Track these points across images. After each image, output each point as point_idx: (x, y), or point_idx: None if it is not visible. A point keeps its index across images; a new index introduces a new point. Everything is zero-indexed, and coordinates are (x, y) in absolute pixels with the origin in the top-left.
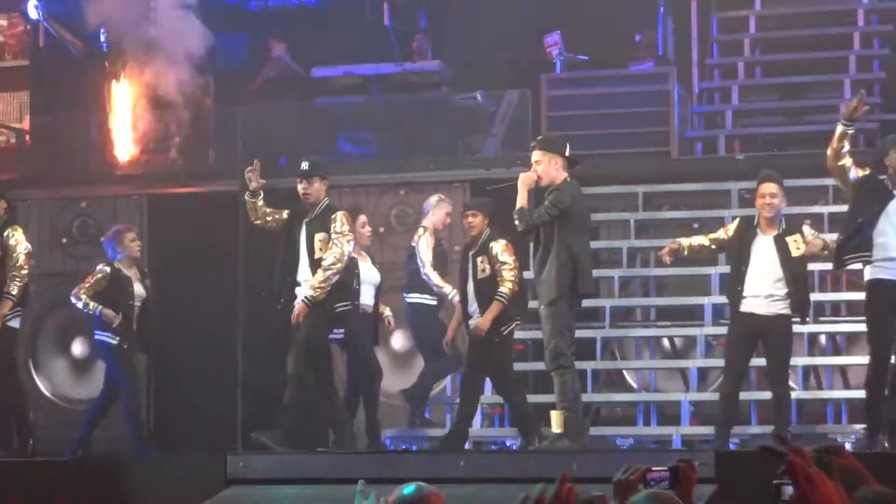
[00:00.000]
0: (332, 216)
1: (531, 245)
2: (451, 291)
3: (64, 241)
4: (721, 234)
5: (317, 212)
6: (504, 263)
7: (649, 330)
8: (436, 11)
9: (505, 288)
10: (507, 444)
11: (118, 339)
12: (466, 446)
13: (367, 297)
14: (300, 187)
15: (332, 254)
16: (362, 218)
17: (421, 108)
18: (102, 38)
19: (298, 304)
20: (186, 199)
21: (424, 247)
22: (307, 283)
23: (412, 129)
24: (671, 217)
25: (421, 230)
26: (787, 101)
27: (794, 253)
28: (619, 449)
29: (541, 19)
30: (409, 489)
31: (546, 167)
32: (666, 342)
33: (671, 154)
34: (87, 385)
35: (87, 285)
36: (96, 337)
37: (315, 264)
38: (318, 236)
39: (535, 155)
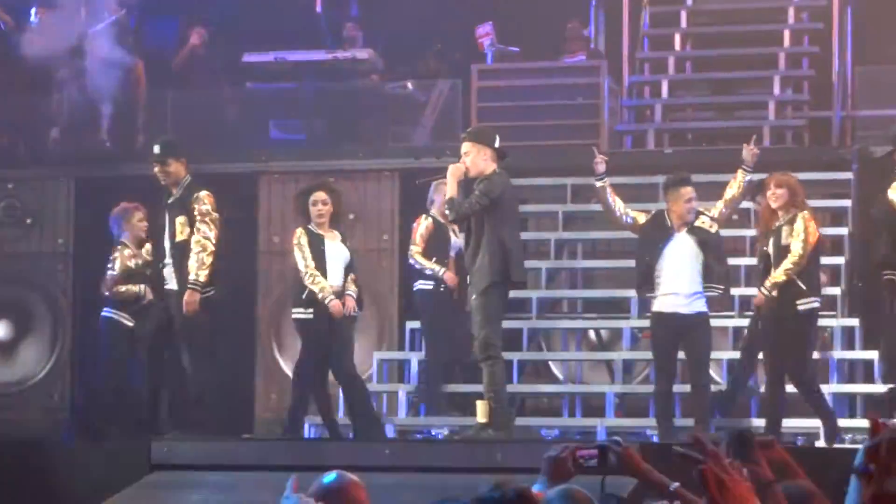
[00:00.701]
0: (194, 196)
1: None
2: (438, 269)
3: None
4: (641, 217)
5: (178, 193)
6: None
7: (575, 322)
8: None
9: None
10: (433, 434)
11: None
12: (392, 434)
13: (334, 277)
14: (156, 171)
15: (196, 240)
16: (320, 195)
17: (352, 96)
18: (34, 17)
19: (187, 293)
20: (115, 182)
21: (417, 233)
22: (171, 269)
23: (343, 117)
24: (600, 210)
25: (423, 217)
26: (716, 96)
27: (710, 230)
28: (544, 439)
29: (473, 10)
30: (329, 477)
31: (475, 158)
32: (592, 334)
33: (601, 147)
34: (10, 368)
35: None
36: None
37: (177, 248)
38: (179, 219)
39: (465, 146)
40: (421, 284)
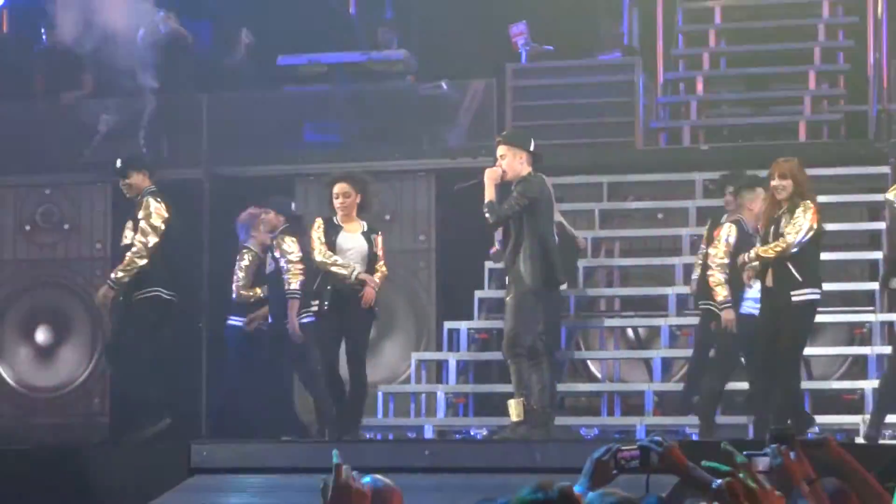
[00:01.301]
0: (139, 201)
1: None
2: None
3: (27, 228)
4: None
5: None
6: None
7: (613, 320)
8: (402, 0)
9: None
10: (472, 434)
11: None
12: (430, 435)
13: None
14: (121, 185)
15: (137, 239)
16: (342, 187)
17: (386, 97)
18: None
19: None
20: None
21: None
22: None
23: (377, 119)
24: (636, 207)
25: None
26: (751, 91)
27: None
28: (583, 438)
29: (506, 9)
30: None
31: (511, 161)
32: (630, 332)
33: (636, 144)
34: (50, 373)
35: (242, 281)
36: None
37: (122, 250)
38: (128, 225)
39: (500, 150)
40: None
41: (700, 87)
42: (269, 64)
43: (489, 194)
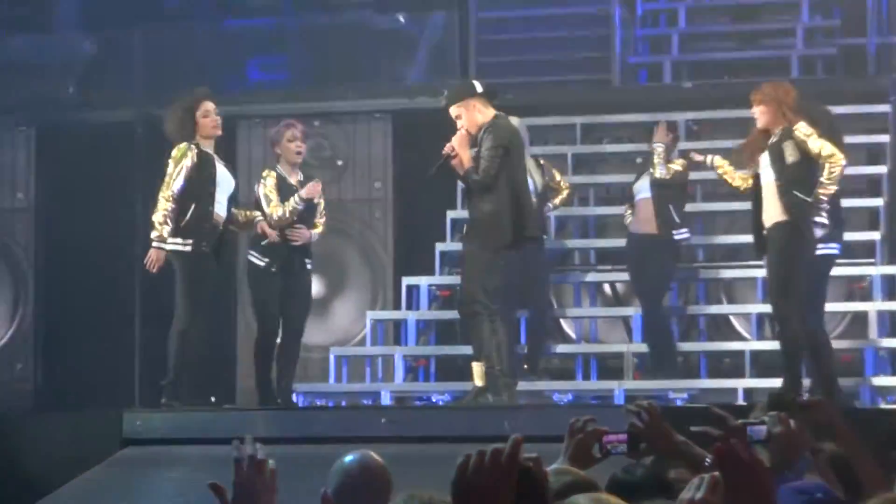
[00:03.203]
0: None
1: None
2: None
3: None
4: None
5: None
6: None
7: (588, 275)
8: None
9: None
10: (434, 400)
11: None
12: (388, 402)
13: (220, 207)
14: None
15: None
16: (207, 105)
17: (338, 31)
18: None
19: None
20: (79, 131)
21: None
22: None
23: (329, 55)
24: (612, 151)
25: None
26: (739, 23)
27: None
28: (556, 405)
29: None
30: (349, 459)
31: (468, 116)
32: (607, 288)
33: (612, 82)
34: None
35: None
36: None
37: None
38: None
39: (451, 111)
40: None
41: (683, 18)
42: None
43: (466, 161)
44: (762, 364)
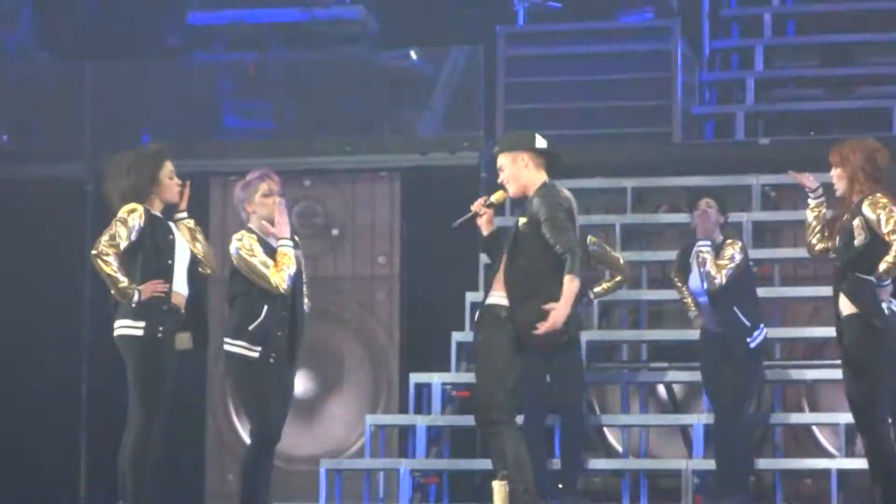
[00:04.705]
0: None
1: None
2: None
3: None
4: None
5: None
6: None
7: (639, 373)
8: None
9: None
10: None
11: None
12: None
13: (179, 283)
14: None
15: None
16: (170, 165)
17: (335, 70)
18: None
19: None
20: (18, 186)
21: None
22: None
23: (323, 98)
24: (670, 221)
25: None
26: (828, 67)
27: None
28: None
29: None
30: None
31: (513, 170)
32: (662, 390)
33: (672, 137)
34: None
35: None
36: None
37: None
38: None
39: (499, 160)
40: None
41: (759, 60)
42: (176, 23)
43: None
44: (852, 487)
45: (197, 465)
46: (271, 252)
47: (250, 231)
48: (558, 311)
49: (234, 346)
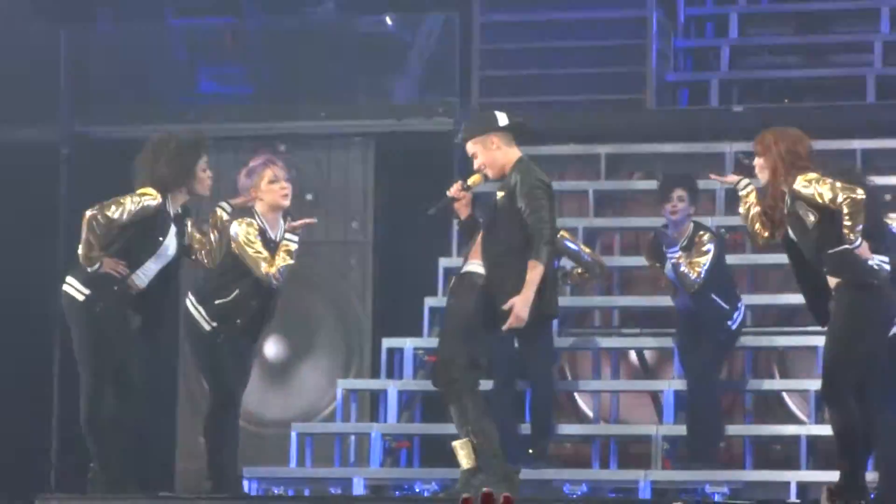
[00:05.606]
0: None
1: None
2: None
3: None
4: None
5: None
6: None
7: (610, 339)
8: None
9: None
10: (417, 489)
11: None
12: (362, 491)
13: (142, 277)
14: None
15: None
16: (204, 159)
17: (310, 35)
18: None
19: None
20: None
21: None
22: None
23: (298, 64)
24: (643, 188)
25: None
26: (803, 34)
27: None
28: (567, 498)
29: None
30: None
31: (486, 156)
32: (633, 356)
33: (646, 103)
34: None
35: None
36: None
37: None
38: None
39: (468, 148)
40: None
41: (734, 27)
42: None
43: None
44: (821, 453)
45: (168, 427)
46: (268, 243)
47: (253, 218)
48: (520, 305)
49: (193, 308)
